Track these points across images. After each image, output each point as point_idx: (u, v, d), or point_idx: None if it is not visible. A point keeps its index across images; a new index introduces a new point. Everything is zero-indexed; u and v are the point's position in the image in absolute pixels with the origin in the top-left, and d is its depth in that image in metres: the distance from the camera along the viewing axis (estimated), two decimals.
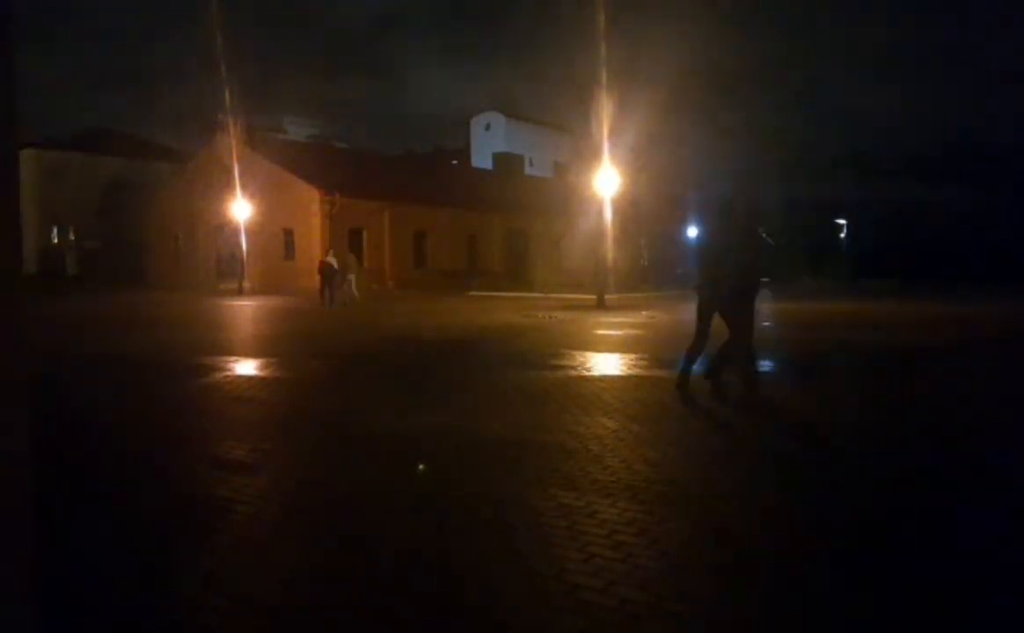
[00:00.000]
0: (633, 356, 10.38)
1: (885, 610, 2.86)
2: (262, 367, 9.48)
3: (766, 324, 14.21)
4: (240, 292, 29.83)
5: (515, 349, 11.41)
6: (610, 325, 15.34)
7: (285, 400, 7.33)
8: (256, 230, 33.01)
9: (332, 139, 57.29)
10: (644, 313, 19.11)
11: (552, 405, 6.80)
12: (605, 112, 21.75)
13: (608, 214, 23.28)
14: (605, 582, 3.02)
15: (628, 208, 29.76)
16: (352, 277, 24.41)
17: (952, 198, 52.38)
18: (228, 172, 31.99)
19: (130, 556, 3.42)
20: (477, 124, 67.95)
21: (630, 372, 8.99)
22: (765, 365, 9.59)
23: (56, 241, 51.42)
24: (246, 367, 9.49)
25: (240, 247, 32.24)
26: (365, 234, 35.32)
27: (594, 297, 21.60)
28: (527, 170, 57.67)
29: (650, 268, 43.82)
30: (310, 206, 33.55)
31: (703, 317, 7.17)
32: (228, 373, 8.95)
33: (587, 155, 24.46)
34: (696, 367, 7.24)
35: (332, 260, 23.99)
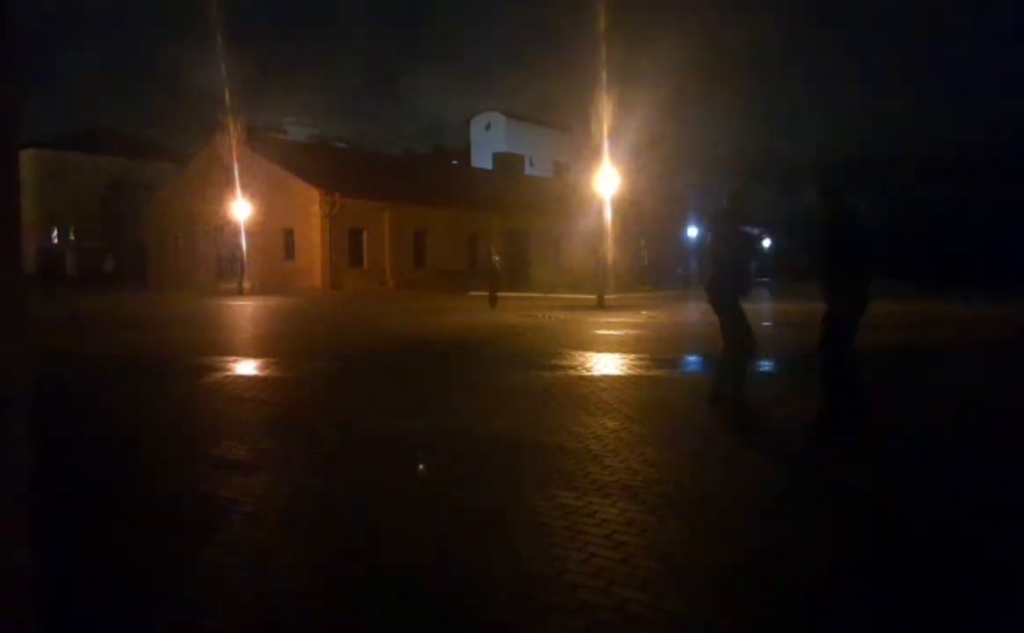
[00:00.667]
0: (633, 356, 10.38)
1: (885, 610, 2.86)
2: (262, 367, 9.48)
3: (766, 324, 14.21)
4: (240, 292, 29.83)
5: (515, 349, 11.41)
6: (610, 325, 15.34)
7: (285, 400, 7.32)
8: (256, 230, 33.00)
9: (332, 139, 57.27)
10: (644, 313, 19.11)
11: (552, 405, 6.80)
12: (605, 112, 21.77)
13: (608, 214, 23.29)
14: (605, 582, 3.02)
15: (628, 208, 29.77)
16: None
17: (959, 197, 52.38)
18: (228, 172, 31.98)
19: (130, 556, 3.41)
20: (477, 124, 67.90)
21: (630, 372, 9.00)
22: (766, 365, 9.59)
23: (56, 241, 51.46)
24: (246, 367, 9.49)
25: (240, 247, 32.24)
26: (365, 234, 35.31)
27: (594, 297, 21.61)
28: (527, 170, 57.66)
29: (650, 268, 43.85)
30: (310, 206, 33.53)
31: (720, 322, 6.82)
32: (228, 373, 8.95)
33: (587, 155, 24.45)
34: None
35: (497, 259, 23.57)
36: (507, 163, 54.37)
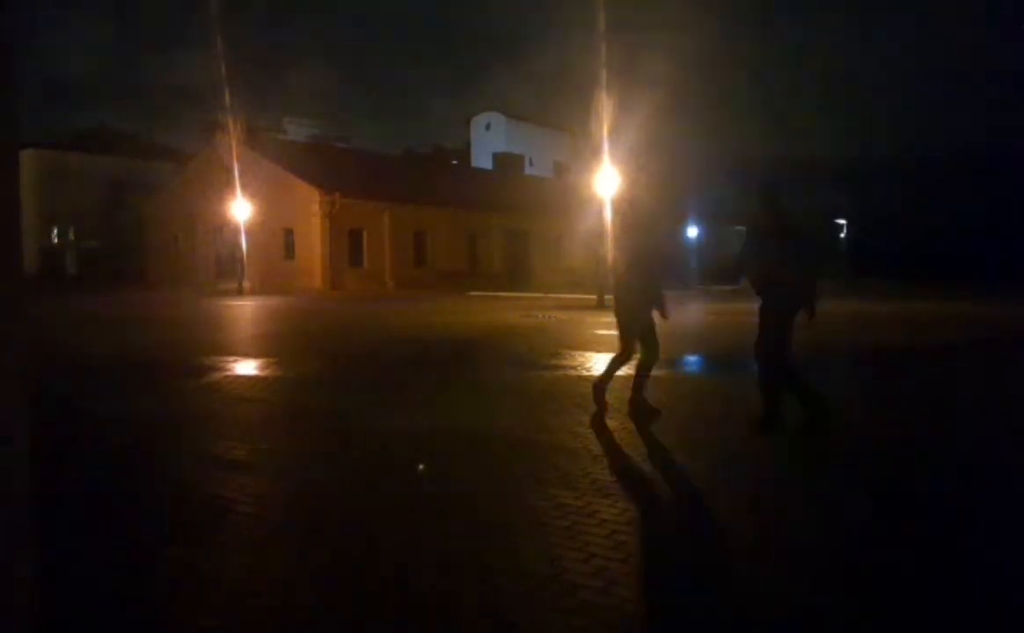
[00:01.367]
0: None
1: (885, 610, 2.86)
2: (262, 367, 9.48)
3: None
4: (240, 292, 29.82)
5: (515, 349, 11.41)
6: (610, 325, 15.30)
7: (285, 400, 7.33)
8: (256, 230, 32.99)
9: (332, 139, 57.26)
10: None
11: (552, 405, 6.80)
12: (605, 112, 21.75)
13: (608, 214, 23.28)
14: (605, 582, 3.02)
15: (628, 208, 29.70)
16: None
17: (955, 198, 52.32)
18: (228, 172, 31.96)
19: (130, 556, 3.41)
20: (477, 124, 67.92)
21: (630, 372, 8.98)
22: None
23: (56, 241, 51.46)
24: (246, 367, 9.49)
25: (240, 247, 32.22)
26: (365, 234, 35.32)
27: (594, 297, 21.60)
28: (527, 170, 57.66)
29: None
30: (310, 206, 33.53)
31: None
32: (228, 373, 8.95)
33: (587, 155, 24.44)
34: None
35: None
36: (507, 163, 54.39)
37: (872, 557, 3.37)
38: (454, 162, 60.25)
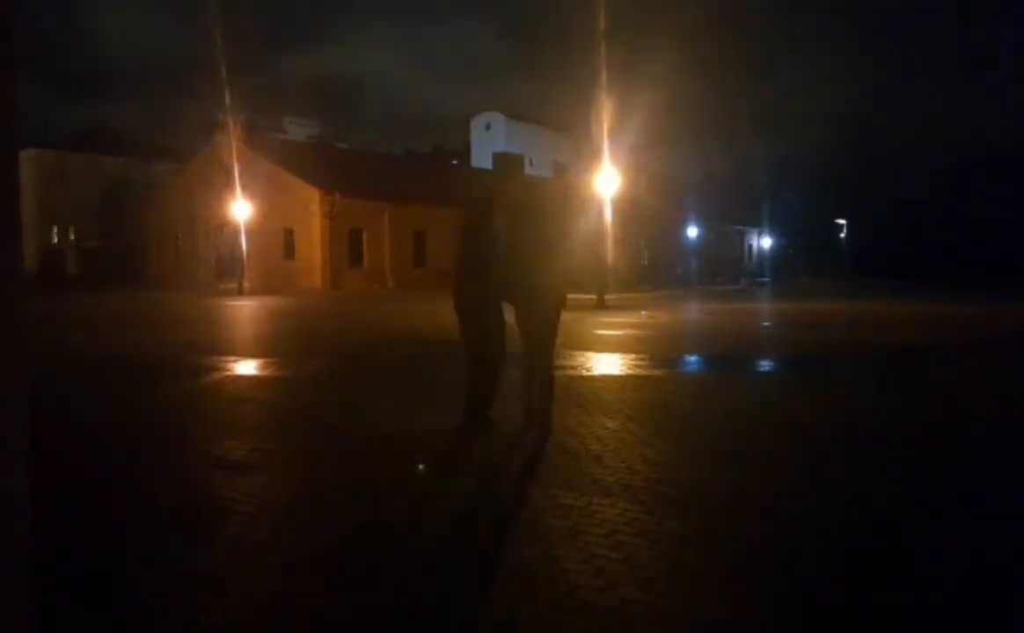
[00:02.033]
0: (633, 356, 10.37)
1: (885, 610, 2.86)
2: (262, 367, 9.48)
3: (766, 324, 14.22)
4: (240, 292, 29.81)
5: (515, 349, 11.39)
6: (610, 325, 15.33)
7: (285, 400, 7.32)
8: (256, 230, 32.99)
9: (332, 139, 57.25)
10: (644, 313, 19.10)
11: (553, 405, 6.80)
12: (605, 112, 21.76)
13: (608, 214, 23.29)
14: (605, 582, 3.02)
15: (628, 208, 29.75)
16: None
17: (958, 200, 52.26)
18: (228, 172, 31.96)
19: (130, 556, 3.41)
20: (477, 124, 67.93)
21: (630, 372, 8.99)
22: (765, 365, 9.58)
23: (56, 241, 51.44)
24: (246, 367, 9.49)
25: (240, 247, 32.21)
26: (365, 234, 35.32)
27: (594, 297, 21.60)
28: (527, 170, 57.66)
29: (650, 268, 43.85)
30: (310, 206, 33.53)
31: None
32: (228, 373, 8.95)
33: (587, 155, 24.44)
34: None
35: None
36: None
37: (876, 560, 3.37)
38: (454, 162, 60.22)
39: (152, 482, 4.62)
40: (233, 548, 3.51)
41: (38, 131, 48.21)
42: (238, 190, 31.61)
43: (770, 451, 5.36)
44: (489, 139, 64.07)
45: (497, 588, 3.01)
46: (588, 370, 9.04)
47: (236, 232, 32.38)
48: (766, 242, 58.96)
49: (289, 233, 34.96)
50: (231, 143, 32.11)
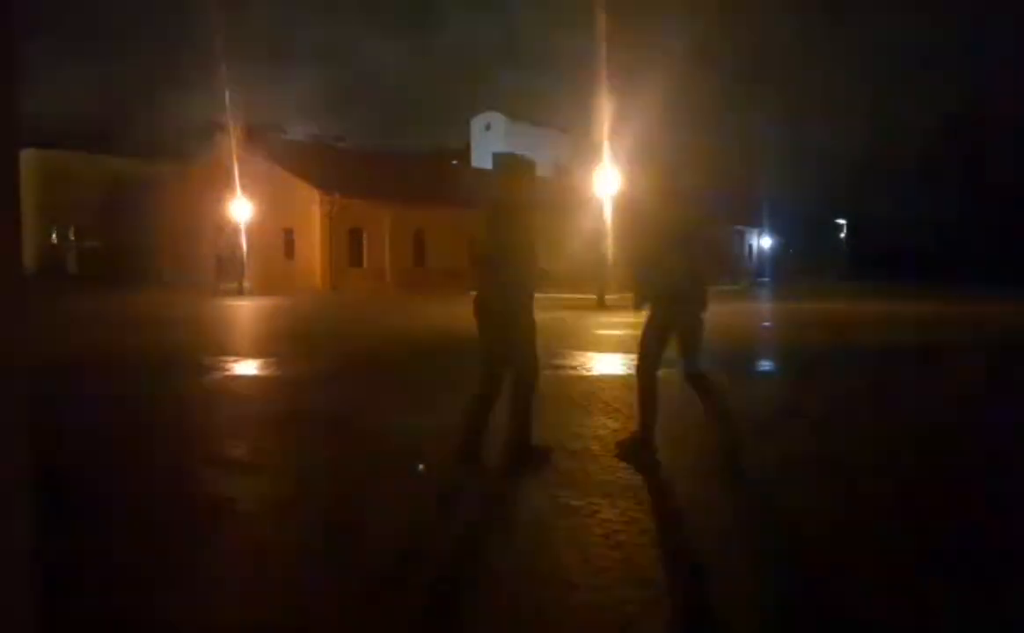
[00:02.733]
0: (633, 356, 10.36)
1: (885, 610, 2.86)
2: (262, 367, 9.48)
3: (766, 324, 14.21)
4: (240, 292, 29.82)
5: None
6: (610, 325, 15.33)
7: (285, 400, 7.32)
8: (256, 230, 32.99)
9: (332, 139, 57.24)
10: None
11: (552, 405, 6.79)
12: (605, 112, 21.76)
13: (608, 214, 23.29)
14: (605, 582, 3.02)
15: (628, 208, 29.72)
16: None
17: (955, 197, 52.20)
18: (228, 172, 31.98)
19: (130, 556, 3.41)
20: (477, 124, 67.94)
21: (630, 372, 8.97)
22: (766, 366, 9.58)
23: (56, 241, 51.44)
24: (246, 367, 9.49)
25: (240, 247, 32.22)
26: (365, 234, 35.32)
27: (594, 297, 21.59)
28: None
29: None
30: (310, 206, 33.54)
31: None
32: (228, 373, 8.95)
33: (587, 155, 24.44)
34: None
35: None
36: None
37: (876, 560, 3.37)
38: (454, 162, 60.21)
39: (151, 481, 4.61)
40: (233, 548, 3.51)
41: (38, 131, 48.16)
42: (238, 190, 31.62)
43: (771, 452, 5.35)
44: (489, 139, 64.08)
45: (497, 588, 3.01)
46: (588, 370, 9.04)
47: (236, 232, 32.39)
48: (766, 242, 58.97)
49: (289, 233, 34.97)
50: (231, 143, 32.12)
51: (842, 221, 62.58)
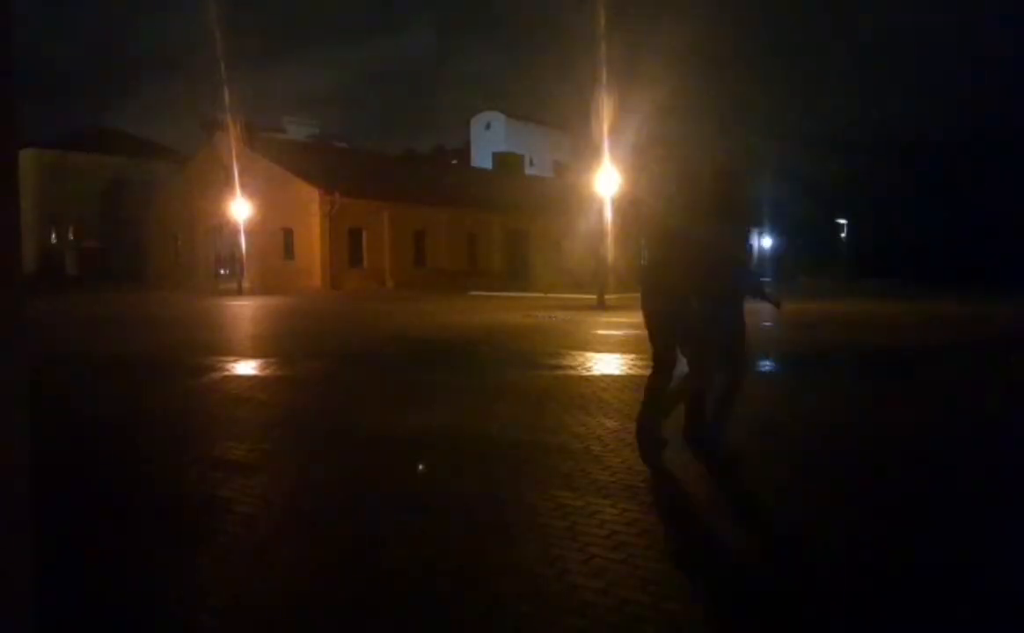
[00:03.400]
0: (633, 356, 10.37)
1: (885, 610, 2.86)
2: (262, 367, 9.48)
3: (767, 324, 14.22)
4: (239, 292, 29.82)
5: (515, 349, 11.40)
6: (610, 325, 15.32)
7: (285, 400, 7.32)
8: (256, 230, 33.01)
9: (332, 139, 57.23)
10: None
11: (552, 405, 6.80)
12: (605, 111, 21.75)
13: (608, 214, 23.28)
14: (605, 582, 3.02)
15: (628, 208, 29.70)
16: None
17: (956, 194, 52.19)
18: (228, 172, 31.99)
19: (130, 556, 3.41)
20: (477, 124, 67.93)
21: (630, 372, 9.00)
22: (767, 365, 9.58)
23: (56, 241, 51.45)
24: (246, 367, 9.49)
25: (239, 247, 32.23)
26: (365, 234, 35.33)
27: (594, 297, 21.60)
28: (527, 170, 57.66)
29: None
30: (310, 206, 33.55)
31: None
32: (228, 373, 8.94)
33: (587, 155, 24.44)
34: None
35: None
36: (507, 163, 54.37)
37: (877, 559, 3.37)
38: (454, 162, 60.23)
39: (151, 482, 4.61)
40: (233, 548, 3.50)
41: (38, 131, 48.19)
42: (238, 190, 31.62)
43: (771, 452, 5.35)
44: (489, 139, 64.09)
45: (497, 589, 3.01)
46: (588, 370, 9.04)
47: (236, 232, 32.40)
48: (766, 242, 58.95)
49: (289, 233, 34.98)
50: (231, 143, 32.13)
51: (843, 221, 62.55)
